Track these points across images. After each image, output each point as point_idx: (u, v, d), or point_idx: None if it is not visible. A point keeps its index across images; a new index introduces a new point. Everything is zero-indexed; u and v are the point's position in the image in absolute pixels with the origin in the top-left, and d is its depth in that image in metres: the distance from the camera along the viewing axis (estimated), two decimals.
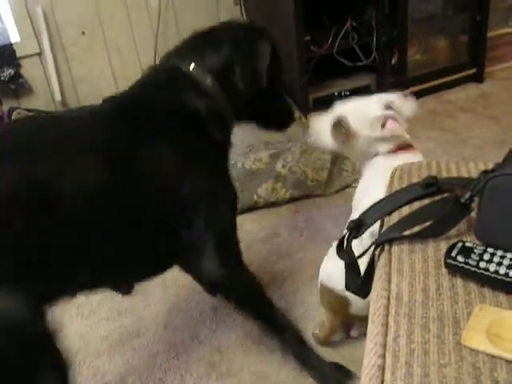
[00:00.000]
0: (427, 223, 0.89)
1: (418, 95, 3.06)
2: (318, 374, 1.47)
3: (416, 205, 0.98)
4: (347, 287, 1.01)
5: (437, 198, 0.97)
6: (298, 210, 2.33)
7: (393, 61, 3.08)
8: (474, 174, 1.03)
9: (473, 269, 0.77)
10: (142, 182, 1.21)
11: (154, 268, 1.40)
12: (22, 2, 2.79)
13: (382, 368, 0.69)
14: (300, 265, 2.01)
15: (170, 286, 2.00)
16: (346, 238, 0.98)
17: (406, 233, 0.90)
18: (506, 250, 0.78)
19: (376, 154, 1.57)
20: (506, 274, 0.74)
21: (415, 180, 1.07)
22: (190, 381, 1.60)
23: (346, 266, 0.99)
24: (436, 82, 3.31)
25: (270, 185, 2.35)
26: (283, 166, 2.39)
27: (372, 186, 1.46)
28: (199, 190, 1.29)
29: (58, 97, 3.00)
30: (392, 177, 1.14)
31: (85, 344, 1.80)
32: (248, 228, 2.25)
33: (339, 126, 1.59)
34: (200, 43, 1.44)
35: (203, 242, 1.30)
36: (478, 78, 3.50)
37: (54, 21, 2.92)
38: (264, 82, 1.41)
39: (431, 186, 1.00)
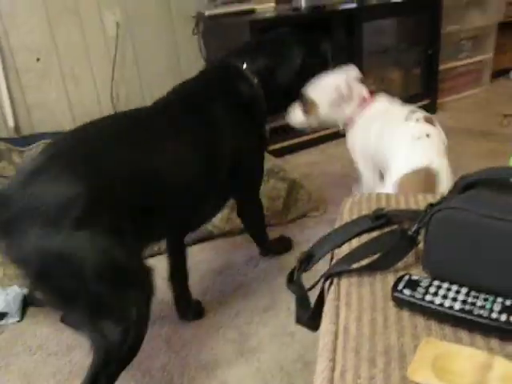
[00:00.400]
0: (376, 256, 0.89)
1: None
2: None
3: (365, 237, 0.99)
4: (298, 320, 0.99)
5: (386, 230, 0.98)
6: (252, 240, 2.31)
7: None
8: (422, 205, 1.04)
9: (419, 302, 0.77)
10: (215, 141, 1.67)
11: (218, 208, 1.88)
12: None
13: None
14: (254, 296, 1.99)
15: None
16: (296, 270, 0.97)
17: (355, 266, 0.90)
18: (451, 283, 0.78)
19: (349, 118, 2.01)
20: (451, 307, 0.74)
21: (365, 212, 1.08)
22: None
23: (297, 300, 0.98)
24: None
25: (225, 215, 2.34)
26: None
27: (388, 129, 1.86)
28: (248, 146, 1.83)
29: (10, 123, 2.94)
30: (342, 209, 1.14)
31: (32, 381, 1.73)
32: (203, 257, 2.23)
33: (305, 102, 2.02)
34: (251, 48, 1.95)
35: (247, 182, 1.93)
36: (431, 108, 3.61)
37: (8, 44, 2.87)
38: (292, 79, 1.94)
39: (380, 218, 1.01)
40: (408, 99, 3.40)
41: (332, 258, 1.01)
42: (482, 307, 0.73)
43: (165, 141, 1.53)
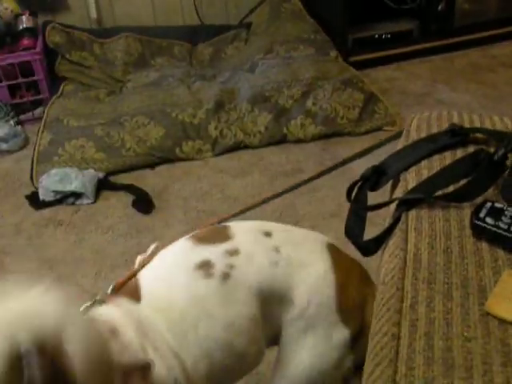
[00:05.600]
0: (454, 184, 0.81)
1: (461, 46, 2.97)
2: None
3: (437, 158, 0.89)
4: (347, 232, 0.93)
5: (464, 152, 0.88)
6: (326, 147, 2.31)
7: (439, 7, 2.95)
8: (500, 128, 0.94)
9: (504, 233, 0.70)
10: None
11: None
12: None
13: (397, 337, 0.63)
14: (321, 202, 1.99)
15: (191, 210, 2.01)
16: (358, 187, 0.91)
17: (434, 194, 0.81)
18: None
19: None
20: None
21: (434, 130, 0.97)
22: None
23: (353, 214, 0.92)
24: (482, 35, 3.14)
25: (299, 120, 2.33)
26: (314, 103, 2.37)
27: None
28: None
29: (93, 14, 2.96)
30: (409, 126, 1.03)
31: (102, 257, 1.82)
32: (274, 160, 2.25)
33: None
34: None
35: None
36: None
37: None
38: None
39: (458, 135, 0.90)
40: (504, 21, 3.17)
41: (397, 181, 0.92)
42: None
43: None
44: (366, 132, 2.37)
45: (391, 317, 0.65)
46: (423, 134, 0.97)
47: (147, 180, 2.21)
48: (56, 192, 2.08)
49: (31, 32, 2.74)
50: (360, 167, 2.04)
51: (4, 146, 2.44)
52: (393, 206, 0.87)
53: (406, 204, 0.82)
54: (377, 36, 2.88)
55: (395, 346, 0.63)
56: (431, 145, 0.92)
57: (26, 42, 2.70)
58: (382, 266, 0.78)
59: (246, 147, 2.34)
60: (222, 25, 3.13)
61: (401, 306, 0.66)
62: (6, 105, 2.58)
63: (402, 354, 0.61)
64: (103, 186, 2.15)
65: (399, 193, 0.88)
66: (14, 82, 2.62)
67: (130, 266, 1.02)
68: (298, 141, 2.34)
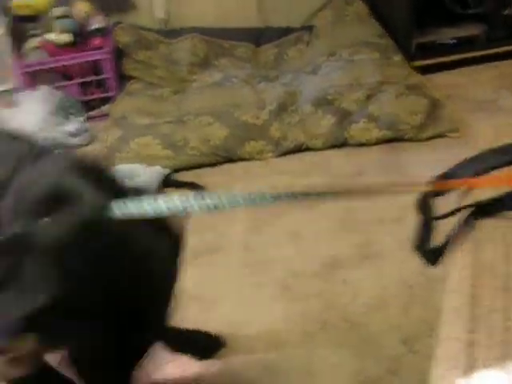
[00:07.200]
0: None
1: None
2: None
3: None
4: (417, 248, 0.94)
5: None
6: (387, 151, 2.31)
7: (506, 11, 2.90)
8: None
9: None
10: None
11: None
12: None
13: (473, 344, 0.64)
14: (380, 206, 1.99)
15: (251, 209, 2.05)
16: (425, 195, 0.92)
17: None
18: None
19: None
20: None
21: (503, 139, 0.97)
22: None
23: (421, 225, 0.93)
24: None
25: (362, 124, 2.34)
26: (377, 108, 2.37)
27: None
28: None
29: (160, 14, 3.03)
30: (474, 134, 1.02)
31: None
32: (335, 163, 2.28)
33: None
34: None
35: None
36: None
37: None
38: None
39: None
40: None
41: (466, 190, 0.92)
42: None
43: None
44: (429, 138, 2.36)
45: (464, 324, 0.66)
46: (490, 143, 0.97)
47: (208, 178, 2.27)
48: None
49: (102, 32, 2.85)
50: (418, 175, 2.07)
51: (74, 141, 2.55)
52: (458, 215, 0.88)
53: (478, 212, 0.83)
54: (441, 42, 2.85)
55: (472, 352, 0.63)
56: (503, 156, 0.92)
57: (96, 41, 2.81)
58: (451, 274, 0.78)
59: (308, 149, 2.37)
60: (284, 27, 3.17)
61: (473, 313, 0.67)
62: (77, 101, 2.70)
63: (479, 360, 0.62)
64: (167, 182, 2.21)
65: (468, 201, 0.88)
66: (84, 79, 2.74)
67: None
68: (360, 144, 2.35)
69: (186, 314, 1.62)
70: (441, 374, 0.66)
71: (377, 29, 2.93)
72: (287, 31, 3.12)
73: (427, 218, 0.91)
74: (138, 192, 0.95)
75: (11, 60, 2.80)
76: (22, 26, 2.86)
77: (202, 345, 1.50)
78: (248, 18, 3.17)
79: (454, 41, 2.85)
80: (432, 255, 0.89)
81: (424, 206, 0.92)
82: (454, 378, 0.65)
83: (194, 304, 1.64)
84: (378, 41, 2.83)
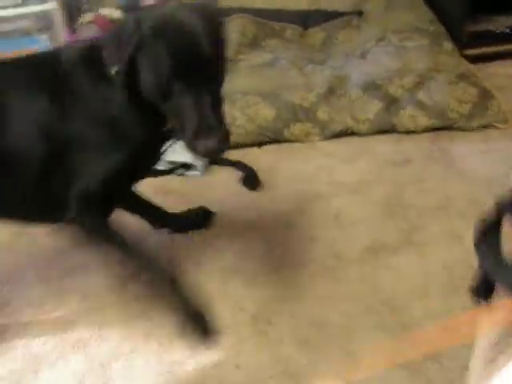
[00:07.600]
0: None
1: None
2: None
3: None
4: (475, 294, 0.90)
5: None
6: (435, 139, 2.30)
7: None
8: None
9: None
10: None
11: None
12: None
13: None
14: (428, 193, 1.99)
15: (297, 190, 2.08)
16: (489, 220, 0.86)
17: None
18: None
19: None
20: None
21: None
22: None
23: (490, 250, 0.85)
24: None
25: (409, 111, 2.32)
26: (426, 95, 2.35)
27: None
28: None
29: None
30: None
31: None
32: (382, 149, 2.27)
33: None
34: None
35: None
36: None
37: None
38: None
39: None
40: None
41: None
42: None
43: None
44: (477, 128, 2.34)
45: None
46: None
47: (254, 158, 2.28)
48: (170, 162, 2.20)
49: None
50: (466, 165, 2.05)
51: None
52: None
53: None
54: (495, 30, 2.79)
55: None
56: None
57: None
58: None
59: (354, 134, 2.37)
60: (333, 10, 3.14)
61: None
62: None
63: None
64: (214, 160, 2.24)
65: None
66: None
67: None
68: (407, 131, 2.34)
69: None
70: (480, 364, 0.67)
71: (428, 15, 2.89)
72: (335, 15, 3.10)
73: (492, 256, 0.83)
74: None
75: (64, 34, 2.85)
76: (76, 1, 2.91)
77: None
78: (297, 0, 3.16)
79: (508, 30, 2.79)
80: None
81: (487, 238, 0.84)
82: (493, 368, 0.65)
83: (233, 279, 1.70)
84: (428, 27, 2.79)
